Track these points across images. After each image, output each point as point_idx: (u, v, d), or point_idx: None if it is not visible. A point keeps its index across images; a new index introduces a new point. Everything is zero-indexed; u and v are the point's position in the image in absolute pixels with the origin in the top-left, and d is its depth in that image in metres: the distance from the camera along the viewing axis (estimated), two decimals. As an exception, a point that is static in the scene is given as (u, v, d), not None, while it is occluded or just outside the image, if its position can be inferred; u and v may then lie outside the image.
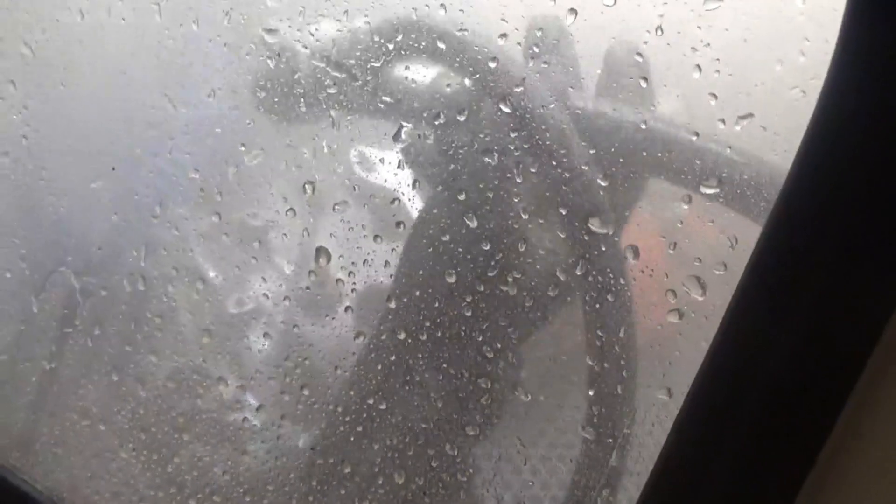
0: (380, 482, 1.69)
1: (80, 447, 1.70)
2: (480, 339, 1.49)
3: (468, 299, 1.46)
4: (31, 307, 1.59)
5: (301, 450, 1.59)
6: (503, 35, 1.43)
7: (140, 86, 1.98)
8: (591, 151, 1.38)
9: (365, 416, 1.61)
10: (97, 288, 1.68)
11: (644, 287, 1.48)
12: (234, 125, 2.22)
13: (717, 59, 1.25)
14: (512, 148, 1.47)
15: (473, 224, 1.51)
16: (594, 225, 1.40)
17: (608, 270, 1.43)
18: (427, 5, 1.48)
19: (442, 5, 1.45)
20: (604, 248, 1.42)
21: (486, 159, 1.48)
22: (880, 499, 0.65)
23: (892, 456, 0.63)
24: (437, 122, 1.58)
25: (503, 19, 1.43)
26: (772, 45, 1.28)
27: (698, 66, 1.24)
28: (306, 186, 1.75)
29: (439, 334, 1.56)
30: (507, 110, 1.46)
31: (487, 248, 1.46)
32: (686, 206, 1.39)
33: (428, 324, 1.56)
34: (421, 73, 1.57)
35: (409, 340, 1.52)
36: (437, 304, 1.49)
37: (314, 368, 1.57)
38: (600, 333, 1.36)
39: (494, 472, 1.64)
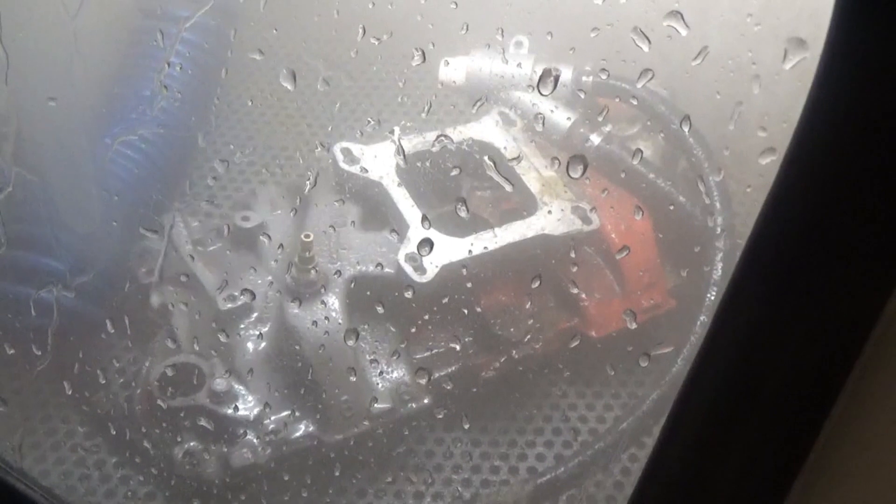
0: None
1: (76, 447, 1.70)
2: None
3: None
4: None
5: (296, 441, 1.59)
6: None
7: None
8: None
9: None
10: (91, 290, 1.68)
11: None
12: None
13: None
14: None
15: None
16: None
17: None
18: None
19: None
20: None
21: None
22: (870, 494, 0.65)
23: (882, 451, 0.63)
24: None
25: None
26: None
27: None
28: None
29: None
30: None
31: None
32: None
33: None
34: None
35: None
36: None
37: (304, 357, 1.57)
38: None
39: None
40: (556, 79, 1.43)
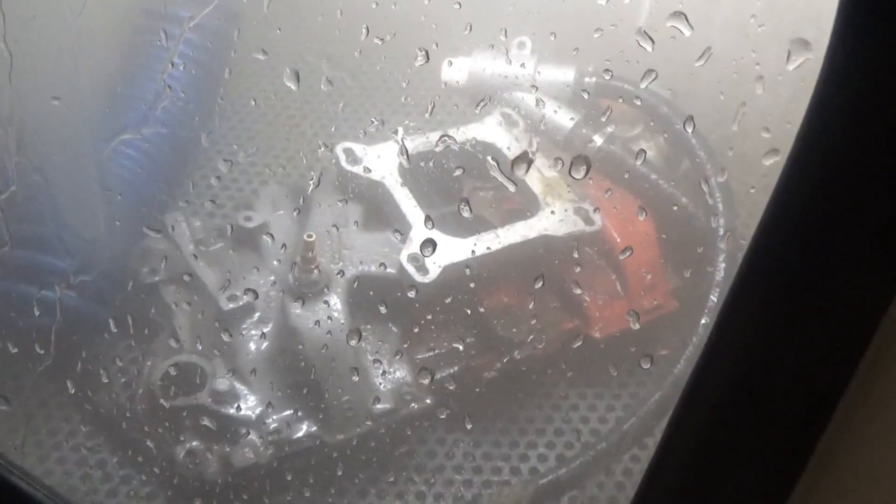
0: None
1: (78, 446, 1.70)
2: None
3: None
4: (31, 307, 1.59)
5: (298, 441, 1.59)
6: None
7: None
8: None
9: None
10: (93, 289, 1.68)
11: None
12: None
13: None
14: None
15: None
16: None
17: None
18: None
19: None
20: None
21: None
22: (872, 497, 0.65)
23: (885, 455, 0.63)
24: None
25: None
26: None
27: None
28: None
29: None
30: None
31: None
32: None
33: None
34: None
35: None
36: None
37: (307, 357, 1.57)
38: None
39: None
40: (530, 164, 1.46)
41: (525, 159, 1.47)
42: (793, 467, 0.68)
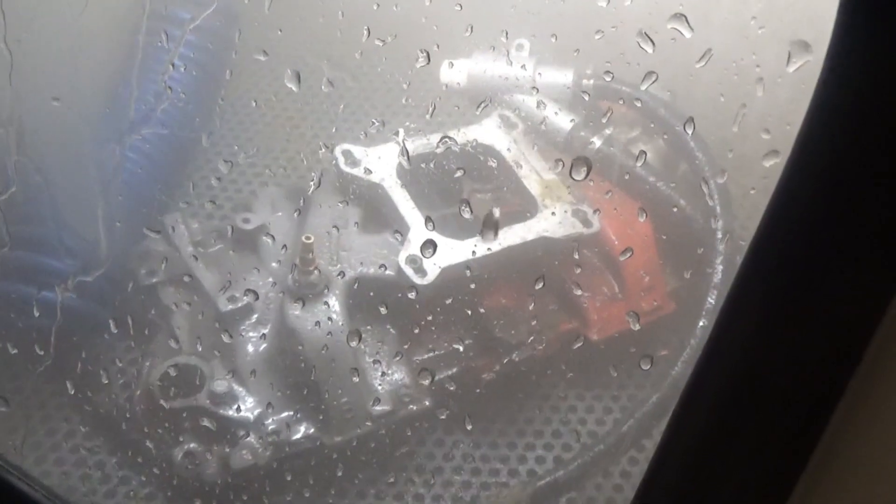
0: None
1: (77, 447, 1.70)
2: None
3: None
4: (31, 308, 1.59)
5: (298, 443, 1.59)
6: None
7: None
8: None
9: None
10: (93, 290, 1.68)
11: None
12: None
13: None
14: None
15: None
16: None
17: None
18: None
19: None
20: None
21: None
22: (871, 498, 0.65)
23: (884, 456, 0.63)
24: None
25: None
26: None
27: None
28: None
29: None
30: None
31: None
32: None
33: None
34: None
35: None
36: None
37: (307, 358, 1.58)
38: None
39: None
40: (496, 229, 1.49)
41: (491, 224, 1.49)
42: (793, 467, 0.68)
